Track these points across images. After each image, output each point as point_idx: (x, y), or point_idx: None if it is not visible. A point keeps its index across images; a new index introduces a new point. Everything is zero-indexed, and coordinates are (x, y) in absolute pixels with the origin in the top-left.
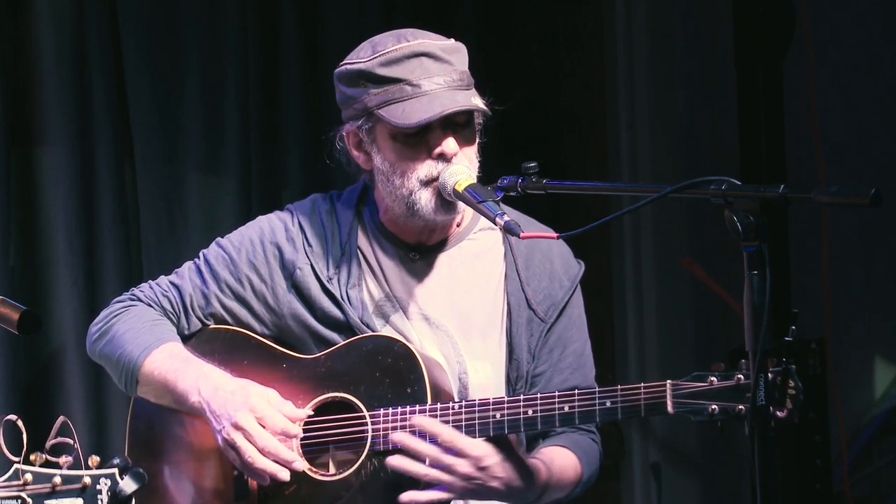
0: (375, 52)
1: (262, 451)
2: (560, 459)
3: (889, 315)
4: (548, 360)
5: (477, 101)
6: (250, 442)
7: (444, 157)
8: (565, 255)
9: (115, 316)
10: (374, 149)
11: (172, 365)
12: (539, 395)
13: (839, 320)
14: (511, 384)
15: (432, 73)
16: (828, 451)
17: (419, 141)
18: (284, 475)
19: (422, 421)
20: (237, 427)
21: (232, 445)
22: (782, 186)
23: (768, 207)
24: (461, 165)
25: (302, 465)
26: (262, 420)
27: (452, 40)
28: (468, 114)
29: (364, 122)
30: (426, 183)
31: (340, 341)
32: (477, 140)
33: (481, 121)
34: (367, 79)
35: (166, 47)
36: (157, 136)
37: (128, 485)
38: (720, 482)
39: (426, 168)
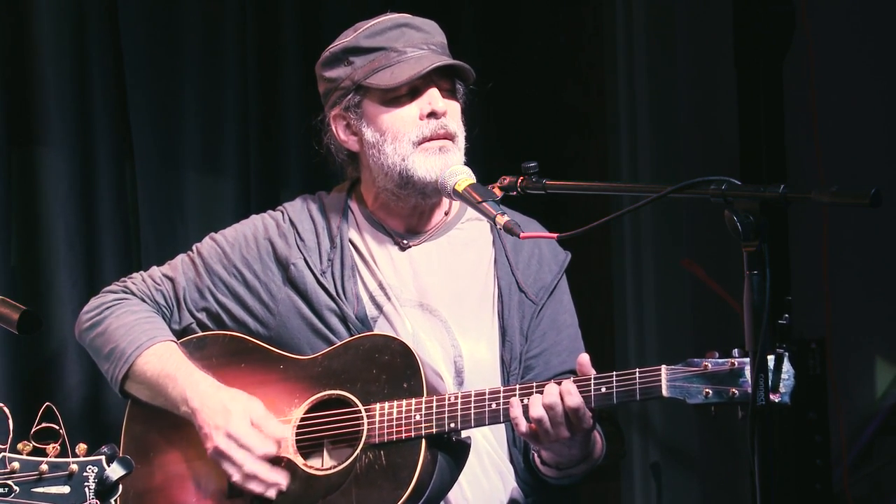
0: (358, 29)
1: (246, 476)
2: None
3: (889, 315)
4: (542, 342)
5: (459, 62)
6: (235, 466)
7: (434, 115)
8: (552, 243)
9: (107, 308)
10: (362, 124)
11: (164, 369)
12: (535, 384)
13: (839, 320)
14: (505, 365)
15: (415, 40)
16: (828, 451)
17: (407, 102)
18: (270, 494)
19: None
20: (219, 452)
21: (220, 465)
22: (782, 186)
23: (768, 207)
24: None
25: (283, 480)
26: (244, 447)
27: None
28: (452, 81)
29: (352, 98)
30: (417, 143)
31: (338, 332)
32: (461, 106)
33: (464, 97)
34: (353, 52)
35: (166, 47)
36: (157, 136)
37: (114, 471)
38: (720, 482)
39: (418, 129)
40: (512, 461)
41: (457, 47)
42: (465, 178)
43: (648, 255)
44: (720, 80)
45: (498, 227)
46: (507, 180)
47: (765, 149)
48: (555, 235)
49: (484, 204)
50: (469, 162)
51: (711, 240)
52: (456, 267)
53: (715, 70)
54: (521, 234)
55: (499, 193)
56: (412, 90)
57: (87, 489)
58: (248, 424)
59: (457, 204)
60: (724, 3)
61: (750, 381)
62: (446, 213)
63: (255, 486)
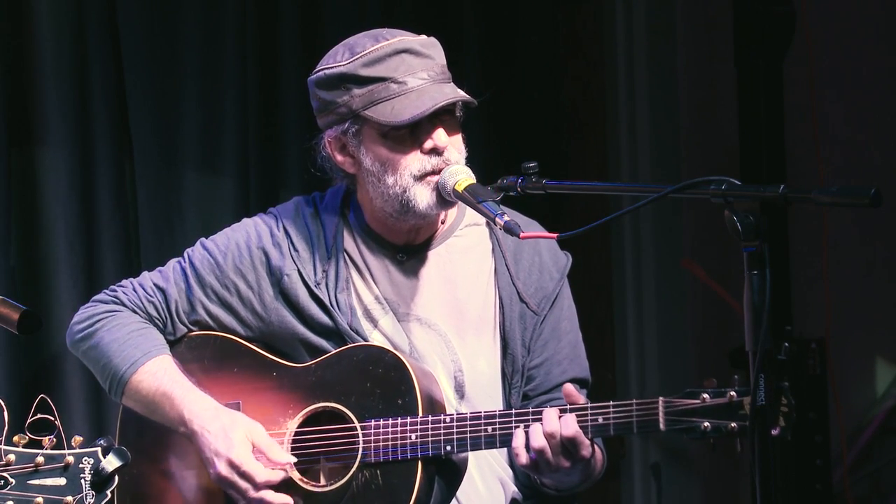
0: (355, 54)
1: (251, 502)
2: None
3: (889, 315)
4: (543, 352)
5: (461, 93)
6: (239, 493)
7: (436, 151)
8: (553, 248)
9: (99, 320)
10: (361, 151)
11: (160, 387)
12: (531, 410)
13: (839, 320)
14: (507, 379)
15: (415, 68)
16: (828, 451)
17: (409, 137)
18: None
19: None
20: (222, 480)
21: (225, 490)
22: (782, 186)
23: (768, 207)
24: (461, 165)
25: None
26: (247, 474)
27: (424, 36)
28: (453, 105)
29: (350, 125)
30: (420, 178)
31: (330, 348)
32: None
33: (462, 112)
34: (350, 81)
35: (165, 47)
36: (157, 136)
37: (110, 462)
38: (720, 482)
39: (419, 163)
40: (511, 465)
41: (457, 48)
42: (464, 178)
43: (648, 255)
44: (720, 80)
45: (497, 227)
46: (506, 180)
47: (765, 149)
48: (555, 235)
49: (484, 205)
50: (468, 162)
51: (711, 240)
52: (455, 277)
53: (715, 70)
54: (521, 234)
55: (498, 193)
56: (413, 124)
57: (83, 481)
58: (249, 450)
59: (454, 210)
60: (724, 3)
61: (749, 413)
62: (443, 222)
63: None
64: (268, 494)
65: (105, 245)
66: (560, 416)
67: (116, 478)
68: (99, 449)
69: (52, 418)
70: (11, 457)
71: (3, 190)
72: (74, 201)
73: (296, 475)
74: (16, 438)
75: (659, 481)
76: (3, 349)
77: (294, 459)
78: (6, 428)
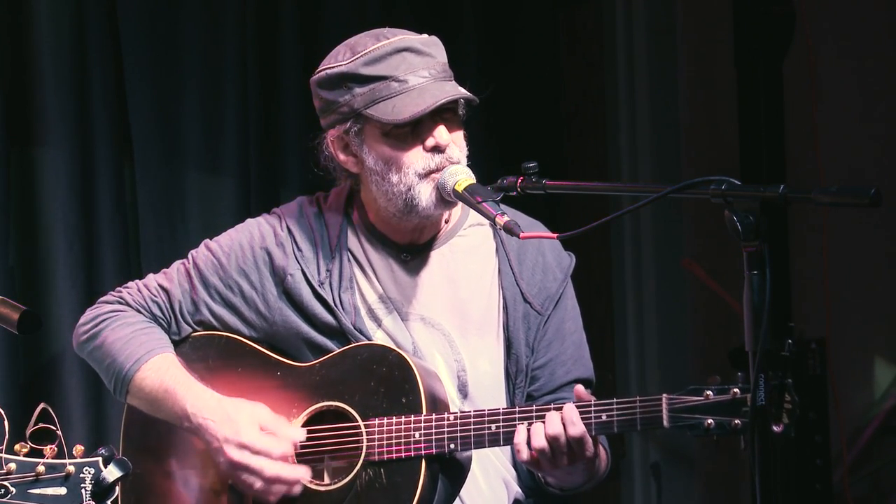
0: (356, 53)
1: (268, 480)
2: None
3: (889, 315)
4: (547, 352)
5: (463, 90)
6: (255, 475)
7: (438, 149)
8: (556, 248)
9: (103, 320)
10: (363, 150)
11: (163, 383)
12: (535, 408)
13: (839, 320)
14: (511, 379)
15: (416, 67)
16: (828, 451)
17: (411, 135)
18: (297, 489)
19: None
20: (234, 464)
21: (237, 479)
22: (782, 186)
23: (768, 207)
24: (461, 165)
25: (305, 473)
26: (260, 452)
27: (426, 35)
28: (454, 103)
29: (352, 125)
30: (424, 175)
31: (334, 347)
32: (462, 126)
33: (464, 110)
34: (352, 80)
35: (166, 47)
36: (157, 136)
37: (111, 473)
38: (720, 482)
39: (422, 161)
40: (515, 466)
41: (456, 48)
42: (464, 178)
43: (648, 255)
44: (720, 80)
45: (498, 227)
46: (506, 180)
47: (765, 149)
48: (555, 235)
49: (484, 204)
50: (469, 161)
51: (711, 240)
52: (459, 277)
53: (715, 70)
54: (521, 234)
55: (498, 193)
56: (415, 122)
57: (83, 491)
58: (257, 430)
59: (457, 210)
60: (724, 3)
61: (749, 413)
62: (446, 221)
63: (279, 488)
64: (283, 470)
65: (105, 245)
66: (562, 416)
67: (117, 488)
68: (100, 459)
69: (54, 427)
70: (12, 465)
71: (3, 190)
72: (74, 201)
73: (306, 474)
74: (17, 447)
75: (659, 481)
76: (2, 349)
77: (304, 434)
78: (7, 436)
